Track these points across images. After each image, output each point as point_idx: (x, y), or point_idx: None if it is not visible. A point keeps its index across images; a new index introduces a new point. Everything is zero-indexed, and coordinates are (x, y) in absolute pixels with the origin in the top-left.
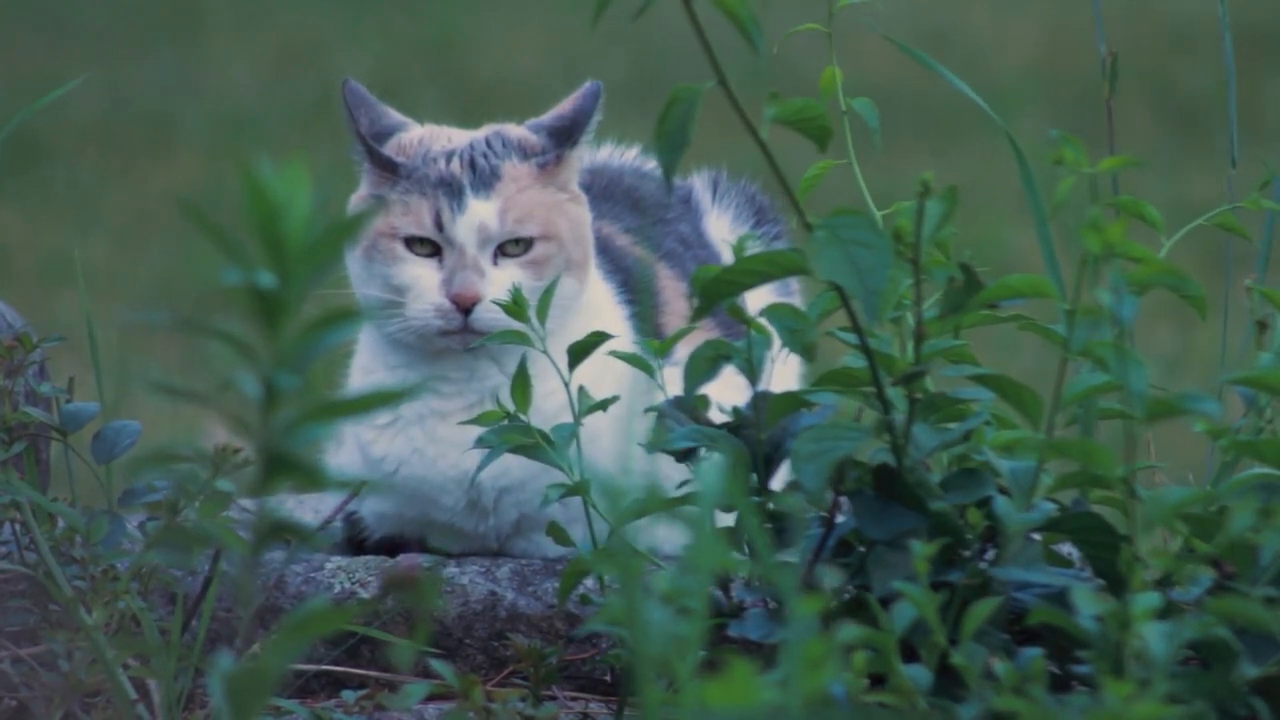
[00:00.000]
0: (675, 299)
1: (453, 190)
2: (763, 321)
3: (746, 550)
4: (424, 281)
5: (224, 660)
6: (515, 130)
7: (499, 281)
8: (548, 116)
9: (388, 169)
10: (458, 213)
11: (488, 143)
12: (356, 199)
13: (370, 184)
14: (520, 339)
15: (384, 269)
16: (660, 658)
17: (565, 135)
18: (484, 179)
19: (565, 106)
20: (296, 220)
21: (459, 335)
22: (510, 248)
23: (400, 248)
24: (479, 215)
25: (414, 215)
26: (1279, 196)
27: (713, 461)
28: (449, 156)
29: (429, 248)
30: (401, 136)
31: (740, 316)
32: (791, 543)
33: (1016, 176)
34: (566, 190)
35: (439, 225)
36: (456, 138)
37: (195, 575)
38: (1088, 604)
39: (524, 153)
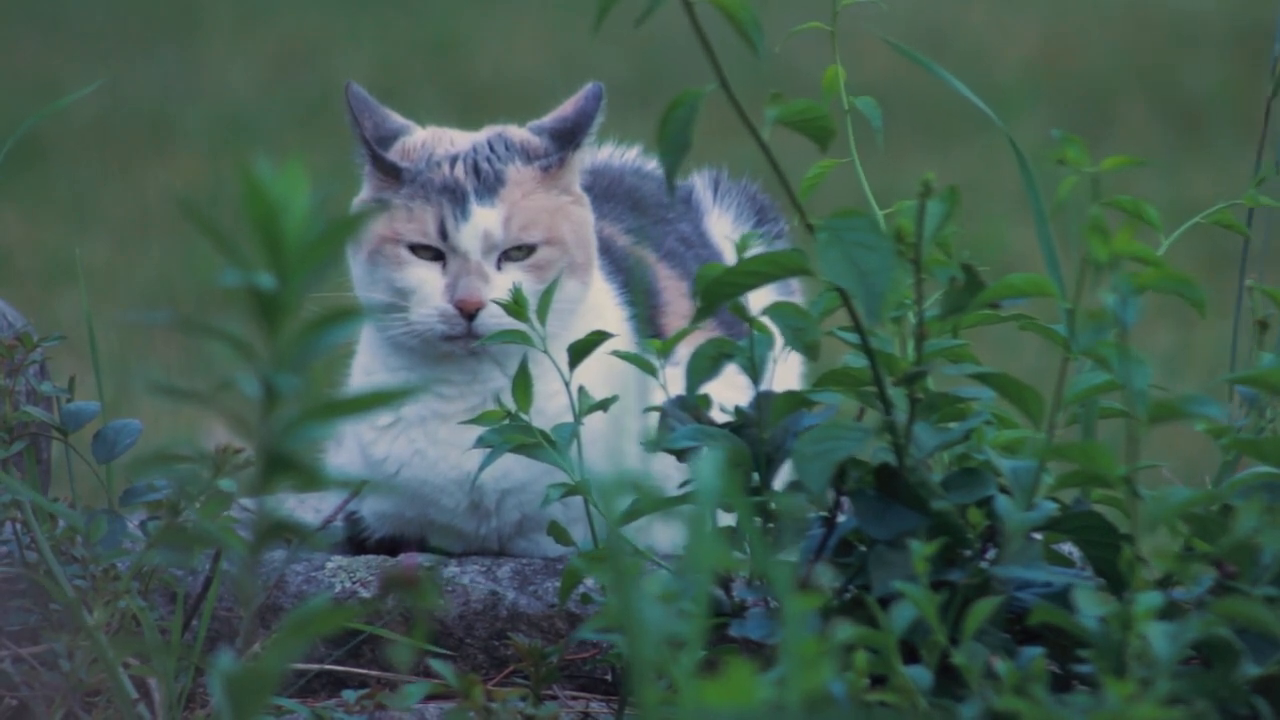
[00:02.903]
0: (677, 299)
1: (456, 197)
2: (765, 320)
3: (747, 549)
4: (428, 286)
5: (225, 660)
6: (517, 132)
7: (502, 286)
8: (549, 118)
9: (391, 174)
10: (462, 221)
11: (490, 146)
12: (359, 202)
13: (373, 187)
14: (521, 338)
15: (388, 273)
16: (657, 658)
17: (568, 137)
18: (488, 185)
19: (567, 108)
20: (295, 219)
21: (462, 340)
22: (514, 252)
23: (404, 252)
24: (483, 223)
25: (418, 223)
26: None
27: (709, 458)
28: (452, 161)
29: (433, 252)
30: (405, 140)
31: (743, 315)
32: (792, 542)
33: (1016, 176)
34: (569, 192)
35: (443, 234)
36: (459, 140)
37: (196, 575)
38: (1089, 604)
39: (527, 156)
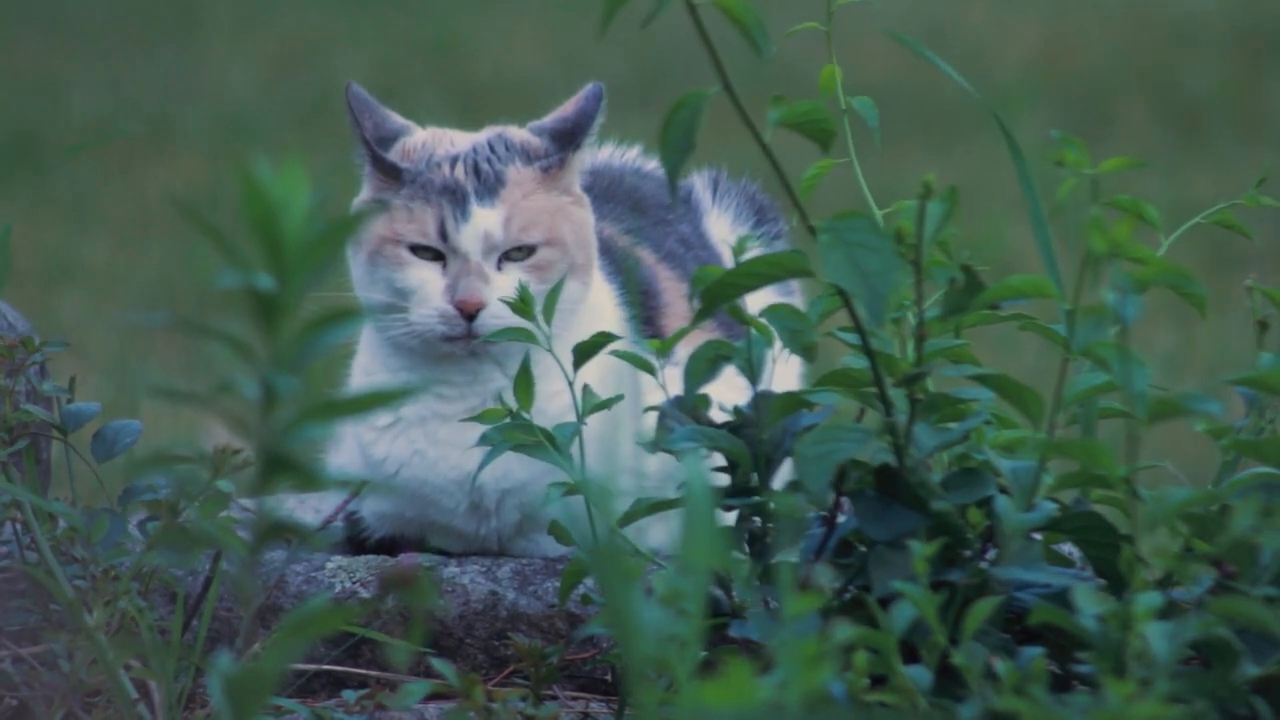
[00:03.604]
0: (676, 300)
1: (457, 198)
2: (763, 321)
3: (747, 550)
4: (429, 286)
5: (224, 660)
6: (518, 133)
7: (503, 287)
8: (549, 119)
9: (391, 174)
10: (462, 221)
11: (490, 146)
12: (359, 203)
13: (373, 188)
14: (524, 336)
15: (388, 274)
16: (653, 659)
17: (568, 138)
18: (488, 185)
19: (567, 108)
20: (294, 220)
21: (463, 341)
22: (514, 253)
23: (405, 253)
24: (483, 224)
25: (418, 223)
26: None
27: (696, 459)
28: (453, 162)
29: (433, 253)
30: (405, 141)
31: (741, 317)
32: (791, 542)
33: (1016, 176)
34: (570, 193)
35: (443, 235)
36: (459, 141)
37: (196, 575)
38: (1089, 603)
39: (527, 156)
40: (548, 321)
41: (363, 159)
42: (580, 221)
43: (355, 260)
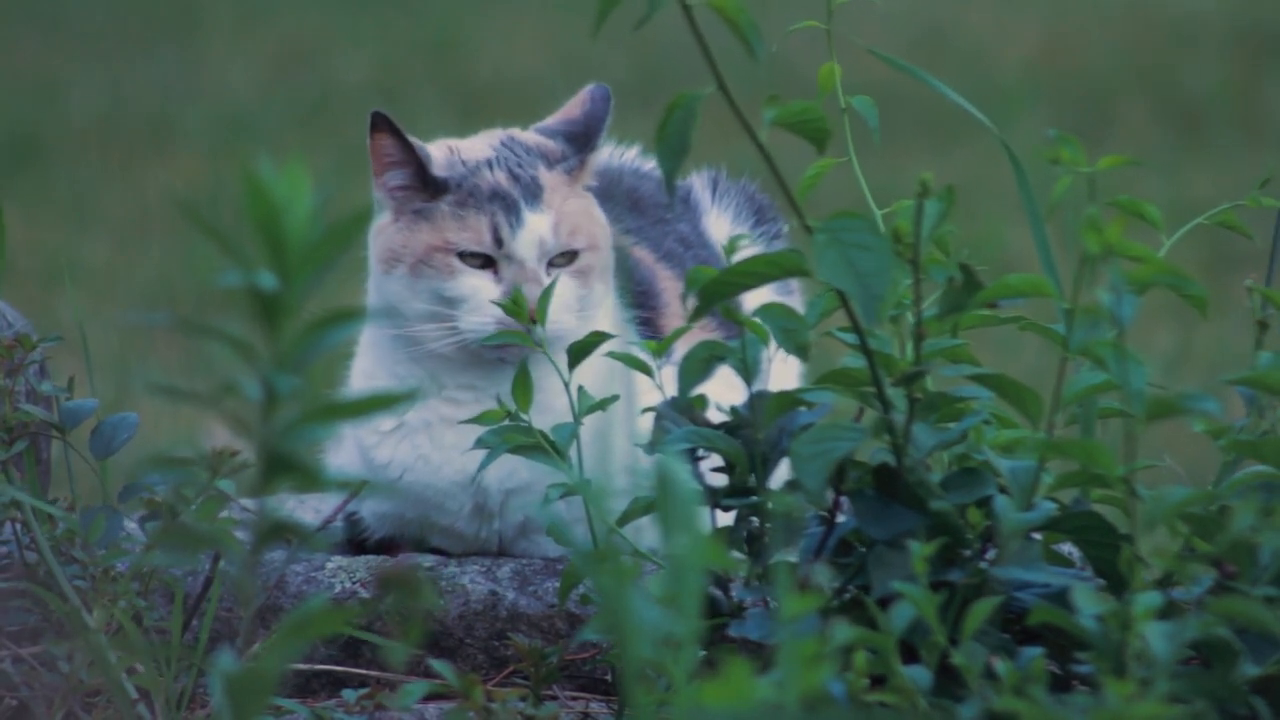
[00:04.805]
0: (675, 299)
1: (508, 204)
2: (757, 321)
3: (745, 550)
4: (482, 293)
5: (224, 660)
6: (530, 136)
7: (554, 292)
8: (554, 120)
9: (434, 190)
10: (517, 227)
11: (512, 151)
12: (381, 225)
13: (406, 205)
14: (525, 340)
15: (437, 284)
16: (651, 659)
17: (583, 140)
18: (530, 191)
19: (574, 111)
20: (297, 220)
21: (515, 347)
22: (558, 259)
23: (455, 261)
24: (537, 229)
25: (472, 231)
26: None
27: (671, 453)
28: (490, 167)
29: (481, 260)
30: (434, 156)
31: (734, 317)
32: (788, 542)
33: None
34: (584, 195)
35: (498, 241)
36: (468, 148)
37: (196, 575)
38: (1088, 603)
39: (547, 160)
40: (541, 321)
41: (399, 181)
42: (604, 223)
43: (393, 275)
